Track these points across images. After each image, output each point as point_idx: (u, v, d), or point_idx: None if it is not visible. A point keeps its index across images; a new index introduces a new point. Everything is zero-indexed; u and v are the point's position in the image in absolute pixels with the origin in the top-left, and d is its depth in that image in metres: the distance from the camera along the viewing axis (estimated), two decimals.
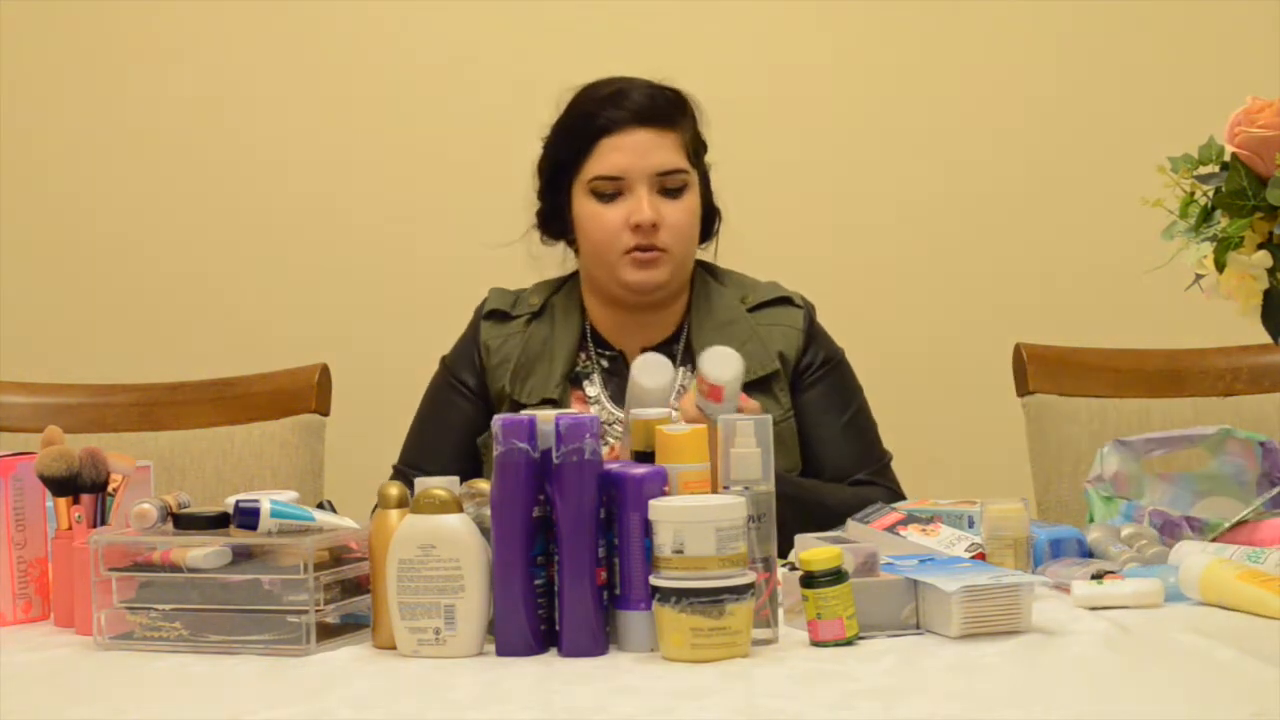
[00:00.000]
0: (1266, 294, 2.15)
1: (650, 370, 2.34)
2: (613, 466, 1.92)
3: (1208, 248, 2.16)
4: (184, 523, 2.02)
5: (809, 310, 2.70)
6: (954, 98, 3.72)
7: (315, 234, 3.72)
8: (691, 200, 2.63)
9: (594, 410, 2.62)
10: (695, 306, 2.68)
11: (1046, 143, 3.71)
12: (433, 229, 3.72)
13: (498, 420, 1.92)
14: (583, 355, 2.67)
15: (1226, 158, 2.17)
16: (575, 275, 2.72)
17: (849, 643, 1.89)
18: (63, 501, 2.16)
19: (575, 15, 3.70)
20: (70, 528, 2.15)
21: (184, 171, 3.73)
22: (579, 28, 3.69)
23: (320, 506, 2.09)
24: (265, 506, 1.97)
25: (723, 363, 2.32)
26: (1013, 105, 3.72)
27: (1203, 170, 2.19)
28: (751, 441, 1.94)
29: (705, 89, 2.71)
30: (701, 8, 3.70)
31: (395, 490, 1.96)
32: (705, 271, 2.73)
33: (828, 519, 2.29)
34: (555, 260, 2.75)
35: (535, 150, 2.71)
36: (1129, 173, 2.58)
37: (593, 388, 2.65)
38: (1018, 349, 2.99)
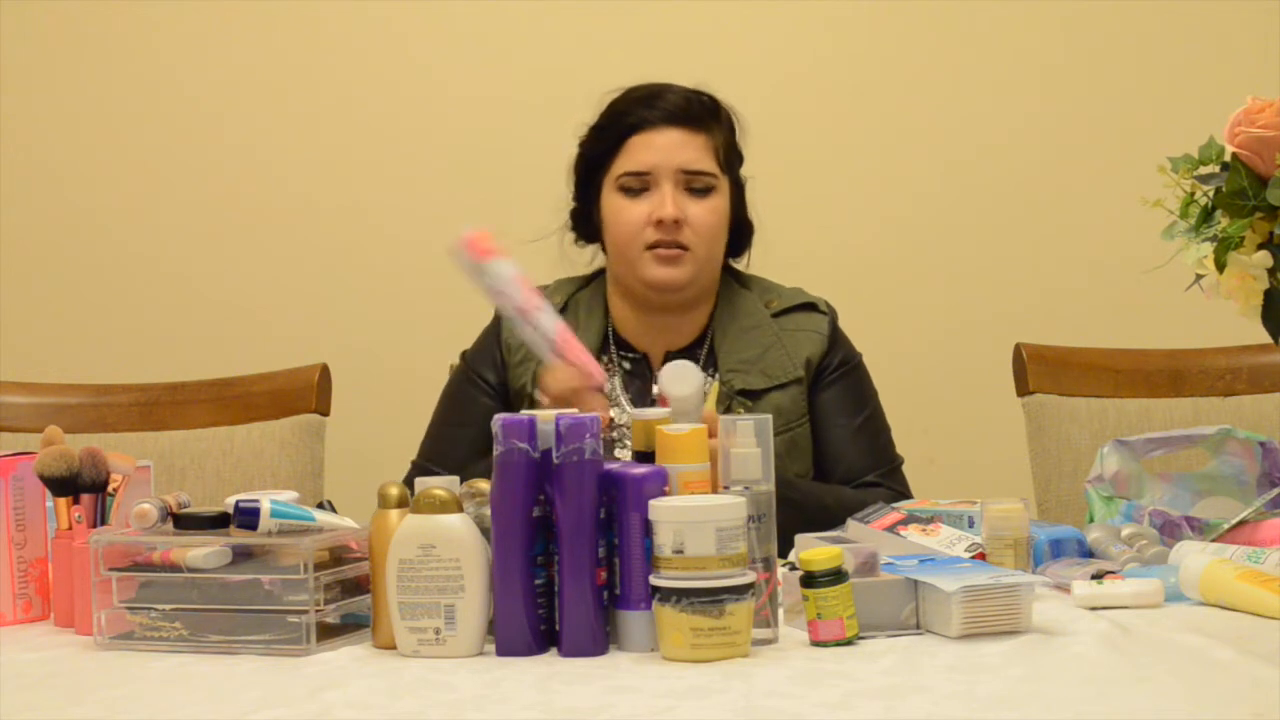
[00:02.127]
0: (1266, 294, 2.15)
1: (678, 378, 2.32)
2: (613, 466, 1.92)
3: (1208, 248, 2.16)
4: (184, 523, 2.02)
5: (832, 316, 2.71)
6: (953, 99, 3.72)
7: (316, 234, 3.72)
8: (718, 203, 2.63)
9: (614, 412, 2.62)
10: (719, 311, 2.68)
11: (1047, 143, 3.72)
12: (433, 229, 3.70)
13: (498, 420, 1.92)
14: (604, 357, 2.67)
15: (1226, 158, 2.17)
16: (600, 275, 2.72)
17: (849, 643, 1.89)
18: (63, 501, 2.16)
19: (583, 19, 3.70)
20: (70, 528, 2.15)
21: (184, 171, 3.73)
22: (585, 32, 3.69)
23: (320, 506, 2.09)
24: (265, 506, 1.97)
25: (679, 378, 2.32)
26: (1013, 106, 3.72)
27: (1203, 170, 2.19)
28: (751, 441, 1.94)
29: (712, 89, 2.70)
30: (708, 13, 3.70)
31: (395, 490, 1.96)
32: (730, 275, 2.72)
33: (827, 522, 2.29)
34: (584, 261, 2.75)
35: (538, 150, 2.71)
36: (1129, 173, 2.59)
37: (613, 390, 2.65)
38: (1018, 349, 2.99)
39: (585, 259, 2.75)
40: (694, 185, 2.62)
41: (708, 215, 2.62)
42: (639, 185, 2.62)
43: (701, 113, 2.65)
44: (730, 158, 2.67)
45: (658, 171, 2.61)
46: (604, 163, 2.65)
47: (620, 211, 2.62)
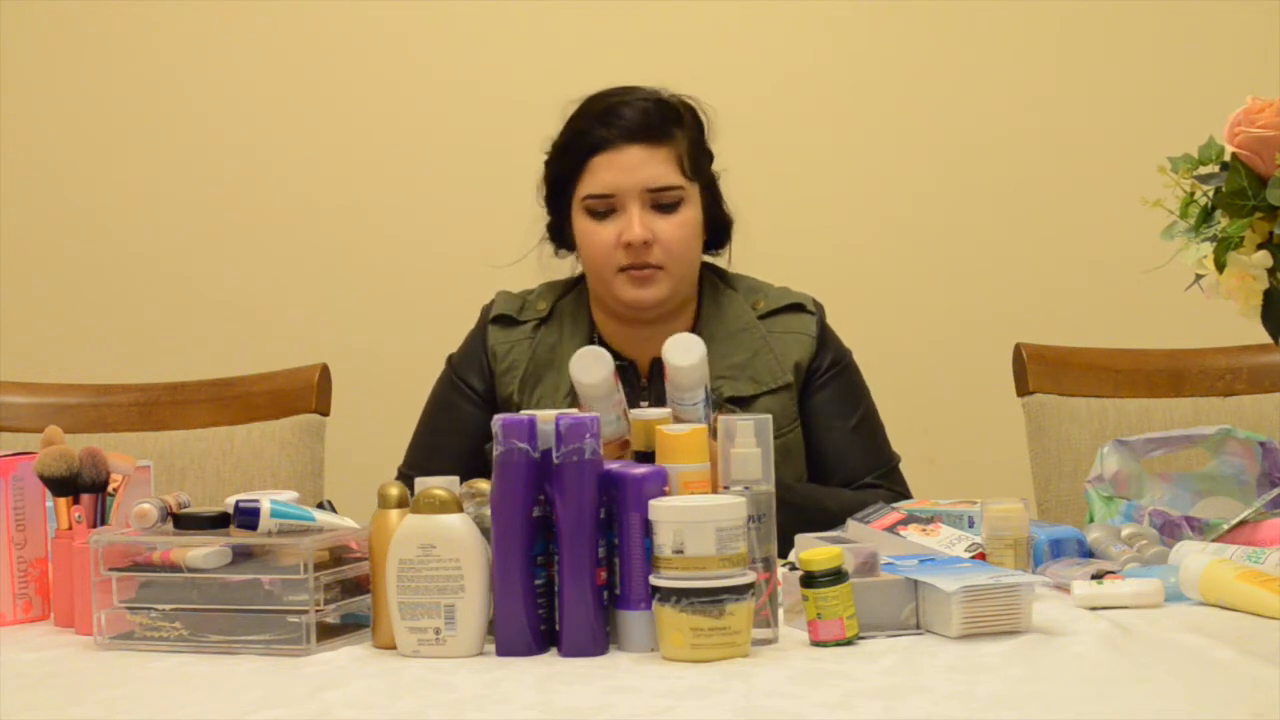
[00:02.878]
0: (1266, 294, 2.15)
1: (681, 348, 2.32)
2: (613, 466, 1.92)
3: (1208, 248, 2.16)
4: (184, 523, 2.02)
5: (820, 315, 2.69)
6: (953, 98, 3.72)
7: (315, 234, 3.72)
8: (688, 214, 2.60)
9: None
10: (705, 314, 2.66)
11: (1047, 143, 3.72)
12: (433, 229, 3.72)
13: (498, 420, 1.92)
14: None
15: (1226, 158, 2.17)
16: (584, 279, 2.71)
17: (849, 643, 1.89)
18: (63, 501, 2.16)
19: (582, 18, 3.70)
20: (70, 528, 2.15)
21: (184, 172, 3.73)
22: (585, 30, 3.69)
23: (320, 506, 2.09)
24: (265, 506, 1.97)
25: (682, 348, 2.32)
26: (1012, 106, 3.72)
27: (1203, 170, 2.19)
28: (751, 441, 1.94)
29: (710, 92, 2.70)
30: (707, 12, 3.70)
31: (395, 490, 1.96)
32: (714, 275, 2.71)
33: (827, 525, 2.29)
34: (566, 266, 2.74)
35: (537, 150, 2.70)
36: (1129, 173, 2.59)
37: None
38: (1018, 349, 2.99)
39: (567, 265, 2.73)
40: (661, 201, 2.59)
41: (677, 230, 2.59)
42: (604, 207, 2.59)
43: (661, 123, 2.60)
44: (697, 160, 2.63)
45: (622, 193, 2.58)
46: (569, 182, 2.61)
47: (589, 235, 2.60)
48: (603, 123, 2.60)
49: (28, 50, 3.72)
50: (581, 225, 2.61)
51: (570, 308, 2.68)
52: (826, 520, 2.31)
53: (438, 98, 3.72)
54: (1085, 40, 3.72)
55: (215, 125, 3.73)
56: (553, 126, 2.67)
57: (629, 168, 2.58)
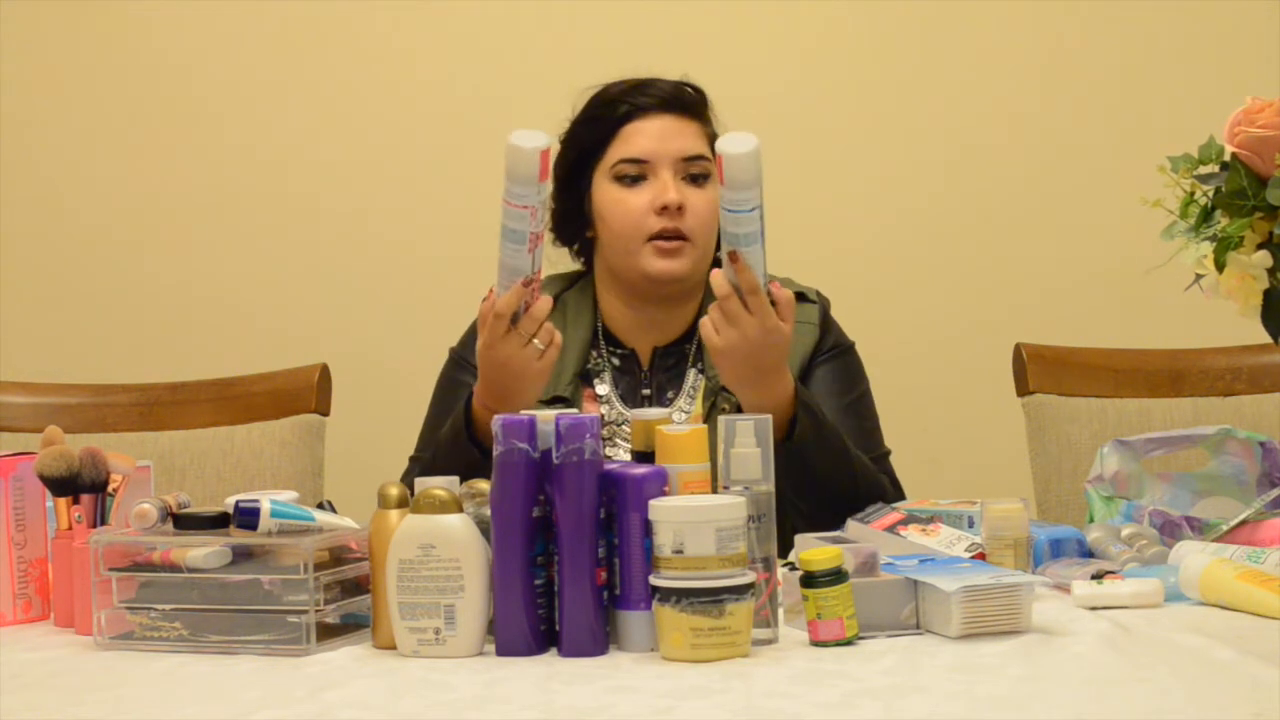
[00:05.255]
0: (1266, 294, 2.15)
1: (734, 139, 2.33)
2: (613, 466, 1.92)
3: (1208, 248, 2.16)
4: (184, 523, 2.02)
5: (824, 305, 2.69)
6: (953, 98, 3.72)
7: (315, 234, 3.72)
8: (713, 191, 2.60)
9: (604, 409, 2.62)
10: (708, 304, 2.67)
11: (1047, 143, 3.72)
12: (433, 229, 3.72)
13: (498, 420, 1.92)
14: (594, 353, 2.66)
15: (1226, 158, 2.17)
16: (582, 276, 2.71)
17: (849, 643, 1.89)
18: (63, 501, 2.16)
19: (583, 19, 3.70)
20: (70, 528, 2.15)
21: (184, 171, 3.73)
22: (586, 31, 3.69)
23: (320, 506, 2.09)
24: (265, 506, 1.97)
25: (735, 139, 2.31)
26: (1013, 105, 3.72)
27: (1203, 170, 2.19)
28: (751, 441, 1.94)
29: (714, 88, 2.70)
30: (709, 10, 3.70)
31: (395, 490, 1.96)
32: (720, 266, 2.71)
33: (849, 472, 2.40)
34: (565, 260, 2.74)
35: None
36: (1129, 173, 2.59)
37: (603, 386, 2.64)
38: (1018, 349, 2.99)
39: (566, 255, 2.73)
40: (691, 171, 2.60)
41: (707, 204, 2.59)
42: (636, 172, 2.60)
43: (691, 101, 2.64)
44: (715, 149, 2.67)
45: (655, 159, 2.59)
46: (596, 152, 2.62)
47: (619, 202, 2.60)
48: (638, 92, 2.63)
49: (28, 50, 3.72)
50: (610, 194, 2.61)
51: (575, 298, 2.69)
52: (848, 470, 2.43)
53: (438, 97, 3.72)
54: (1086, 40, 3.72)
55: (215, 125, 3.73)
56: (554, 127, 2.67)
57: (664, 135, 2.60)
